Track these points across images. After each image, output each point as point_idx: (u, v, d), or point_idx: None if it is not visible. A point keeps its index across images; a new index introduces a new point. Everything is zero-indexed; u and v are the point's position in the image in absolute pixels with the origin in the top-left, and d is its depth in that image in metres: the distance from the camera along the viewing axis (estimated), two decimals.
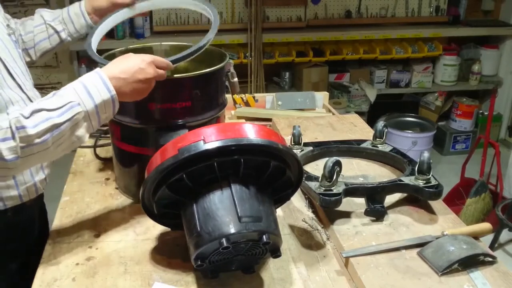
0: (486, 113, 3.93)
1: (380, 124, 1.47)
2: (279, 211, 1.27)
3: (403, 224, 1.19)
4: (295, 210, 1.31)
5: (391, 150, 1.46)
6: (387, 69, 4.24)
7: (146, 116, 1.24)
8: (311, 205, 1.32)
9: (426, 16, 4.25)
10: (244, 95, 2.07)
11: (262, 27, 3.83)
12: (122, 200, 1.37)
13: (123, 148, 1.32)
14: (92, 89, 1.02)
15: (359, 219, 1.21)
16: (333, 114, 2.01)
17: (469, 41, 4.39)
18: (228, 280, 1.06)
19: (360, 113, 3.38)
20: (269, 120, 1.89)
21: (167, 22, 3.91)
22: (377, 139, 1.48)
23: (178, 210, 1.05)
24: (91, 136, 1.08)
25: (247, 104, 2.07)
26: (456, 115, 4.29)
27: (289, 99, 2.11)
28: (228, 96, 1.44)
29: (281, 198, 1.14)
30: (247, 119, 1.94)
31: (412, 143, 3.74)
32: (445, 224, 1.20)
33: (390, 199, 1.26)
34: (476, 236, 1.14)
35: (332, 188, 1.17)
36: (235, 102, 1.98)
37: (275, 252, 1.01)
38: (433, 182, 1.23)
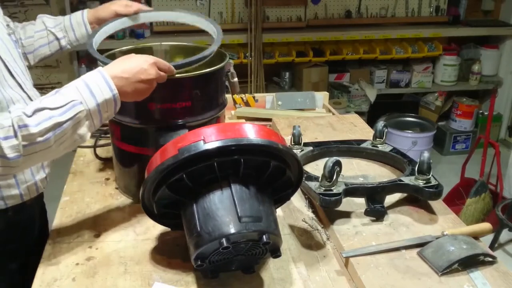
0: (486, 113, 3.93)
1: (380, 124, 1.47)
2: (279, 211, 1.27)
3: (403, 224, 1.19)
4: (295, 210, 1.31)
5: (391, 150, 1.46)
6: (387, 69, 4.24)
7: (146, 116, 1.24)
8: (311, 205, 1.32)
9: (426, 16, 4.25)
10: (244, 95, 2.07)
11: (262, 27, 3.83)
12: (122, 200, 1.37)
13: (123, 148, 1.32)
14: (95, 88, 1.02)
15: (359, 219, 1.21)
16: (333, 114, 2.01)
17: (469, 41, 4.39)
18: (228, 280, 1.06)
19: (360, 113, 3.39)
20: (269, 120, 1.89)
21: (167, 22, 3.90)
22: (377, 139, 1.48)
23: (178, 210, 1.05)
24: (91, 136, 1.08)
25: (247, 104, 2.07)
26: (456, 115, 4.29)
27: (289, 99, 2.11)
28: (228, 96, 1.44)
29: (281, 198, 1.14)
30: (247, 119, 1.94)
31: (412, 143, 3.74)
32: (445, 224, 1.20)
33: (390, 199, 1.26)
34: (476, 236, 1.14)
35: (332, 188, 1.17)
36: (235, 102, 1.98)
37: (275, 252, 1.01)
38: (433, 182, 1.23)
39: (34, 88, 1.28)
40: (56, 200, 1.36)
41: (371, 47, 4.15)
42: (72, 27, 1.46)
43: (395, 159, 1.44)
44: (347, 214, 1.23)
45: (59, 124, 0.98)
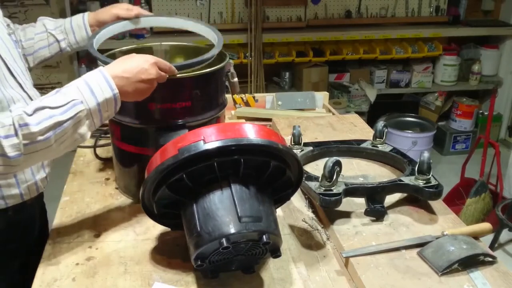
0: (486, 113, 3.93)
1: (380, 124, 1.47)
2: (279, 211, 1.27)
3: (403, 224, 1.19)
4: (295, 210, 1.31)
5: (391, 150, 1.46)
6: (387, 69, 4.24)
7: (146, 116, 1.24)
8: (311, 205, 1.32)
9: (426, 16, 4.25)
10: (244, 95, 2.07)
11: (262, 27, 3.83)
12: (122, 200, 1.37)
13: (123, 148, 1.32)
14: (95, 88, 1.02)
15: (359, 219, 1.21)
16: (333, 114, 2.01)
17: (469, 41, 4.39)
18: (228, 280, 1.06)
19: (360, 113, 3.39)
20: (269, 120, 1.89)
21: None
22: (377, 139, 1.48)
23: (178, 210, 1.05)
24: (91, 136, 1.08)
25: (247, 104, 2.07)
26: (456, 115, 4.29)
27: (289, 99, 2.11)
28: (228, 96, 1.44)
29: (281, 198, 1.14)
30: (247, 119, 1.94)
31: (412, 143, 3.74)
32: (445, 224, 1.20)
33: (390, 199, 1.26)
34: (476, 236, 1.14)
35: (332, 188, 1.17)
36: (235, 102, 1.98)
37: (275, 252, 1.01)
38: (433, 182, 1.23)
39: (34, 88, 1.28)
40: (56, 200, 1.36)
41: (371, 47, 4.15)
42: (73, 29, 1.47)
43: (395, 159, 1.44)
44: (347, 214, 1.23)
45: (59, 123, 0.98)
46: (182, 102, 1.23)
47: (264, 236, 0.95)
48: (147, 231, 1.23)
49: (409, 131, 3.91)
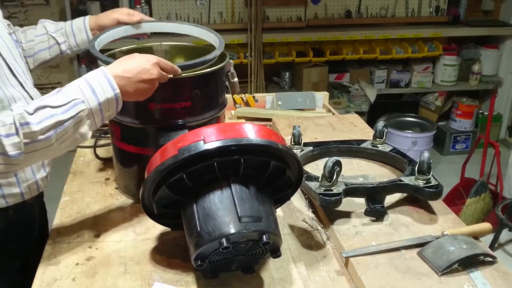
0: (486, 113, 3.93)
1: (380, 124, 1.47)
2: (279, 211, 1.27)
3: (403, 224, 1.19)
4: (295, 210, 1.31)
5: (391, 150, 1.46)
6: (387, 69, 4.25)
7: (146, 116, 1.24)
8: (311, 205, 1.32)
9: (426, 16, 4.25)
10: (244, 95, 2.07)
11: (262, 27, 3.84)
12: (122, 200, 1.37)
13: (123, 148, 1.32)
14: (97, 87, 1.02)
15: (359, 219, 1.21)
16: (333, 114, 2.01)
17: (469, 41, 4.39)
18: (228, 280, 1.06)
19: (360, 113, 3.39)
20: (269, 120, 1.89)
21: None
22: (377, 139, 1.48)
23: (178, 210, 1.05)
24: (91, 136, 1.08)
25: (247, 104, 2.07)
26: (456, 115, 4.29)
27: (289, 99, 2.11)
28: (228, 96, 1.44)
29: (281, 198, 1.14)
30: (247, 119, 1.94)
31: (412, 143, 3.74)
32: (445, 224, 1.20)
33: (390, 199, 1.26)
34: (476, 236, 1.14)
35: (332, 188, 1.17)
36: (235, 102, 1.98)
37: (275, 252, 1.01)
38: (433, 182, 1.23)
39: (34, 87, 1.28)
40: (56, 200, 1.36)
41: (371, 47, 4.15)
42: (73, 32, 1.47)
43: (395, 159, 1.44)
44: (347, 214, 1.23)
45: (60, 123, 0.98)
46: (182, 102, 1.23)
47: (264, 236, 0.95)
48: (147, 231, 1.23)
49: (409, 131, 3.91)
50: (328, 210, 1.23)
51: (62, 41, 1.47)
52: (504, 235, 2.96)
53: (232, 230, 0.94)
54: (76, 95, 1.00)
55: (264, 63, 3.92)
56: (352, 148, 1.51)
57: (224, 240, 0.93)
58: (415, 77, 4.26)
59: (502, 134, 4.50)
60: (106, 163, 1.57)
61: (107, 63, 1.13)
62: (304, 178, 1.14)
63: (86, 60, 3.79)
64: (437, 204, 1.27)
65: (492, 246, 2.83)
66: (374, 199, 1.22)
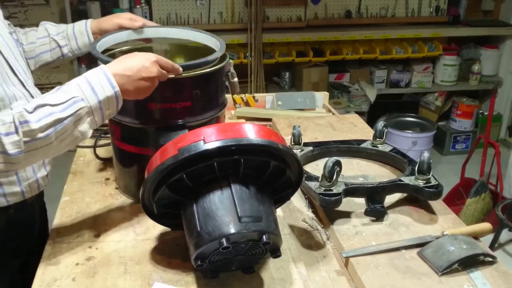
0: (486, 113, 3.93)
1: (380, 124, 1.47)
2: (279, 211, 1.27)
3: (403, 224, 1.19)
4: (295, 210, 1.31)
5: (391, 150, 1.46)
6: (387, 69, 4.25)
7: (146, 116, 1.24)
8: (311, 205, 1.32)
9: (426, 16, 4.25)
10: (244, 95, 2.07)
11: (262, 27, 3.84)
12: (122, 200, 1.37)
13: (123, 148, 1.32)
14: (96, 85, 1.02)
15: (359, 219, 1.21)
16: (333, 114, 2.01)
17: (469, 41, 4.39)
18: (228, 280, 1.06)
19: (360, 113, 3.39)
20: (269, 120, 1.89)
21: (167, 22, 3.91)
22: (377, 139, 1.48)
23: (178, 210, 1.05)
24: (91, 136, 1.08)
25: (247, 104, 2.07)
26: (456, 115, 4.29)
27: (289, 99, 2.11)
28: (228, 96, 1.44)
29: (281, 198, 1.14)
30: (247, 119, 1.94)
31: (412, 143, 3.74)
32: (445, 224, 1.20)
33: (390, 199, 1.26)
34: (476, 236, 1.14)
35: (332, 188, 1.17)
36: (235, 102, 1.98)
37: (275, 252, 1.01)
38: (433, 182, 1.23)
39: (35, 86, 1.29)
40: (56, 200, 1.36)
41: (371, 47, 4.15)
42: (75, 35, 1.47)
43: (395, 159, 1.44)
44: (347, 214, 1.23)
45: (59, 120, 0.98)
46: (182, 102, 1.23)
47: (264, 236, 0.95)
48: (147, 231, 1.23)
49: (409, 131, 3.91)
50: (328, 210, 1.23)
51: (64, 44, 1.48)
52: (504, 235, 2.96)
53: (232, 230, 0.94)
54: (75, 93, 1.00)
55: (264, 63, 3.92)
56: (352, 148, 1.51)
57: (224, 240, 0.93)
58: (415, 77, 4.26)
59: (502, 134, 4.50)
60: (106, 163, 1.56)
61: (106, 62, 1.13)
62: (304, 178, 1.14)
63: (86, 60, 3.79)
64: (437, 204, 1.27)
65: (492, 246, 2.83)
66: (374, 199, 1.22)
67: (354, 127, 1.76)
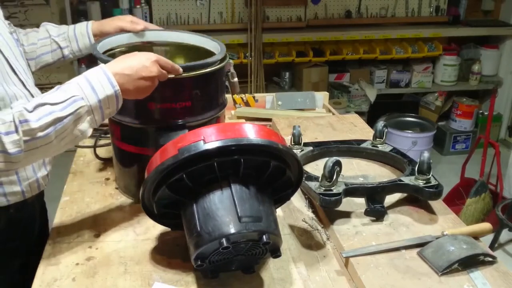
0: (486, 113, 3.93)
1: (380, 124, 1.47)
2: (279, 211, 1.27)
3: (403, 224, 1.19)
4: (295, 210, 1.31)
5: (391, 150, 1.46)
6: (387, 69, 4.25)
7: (146, 116, 1.24)
8: (311, 205, 1.32)
9: (426, 16, 4.25)
10: (244, 95, 2.07)
11: (262, 27, 3.84)
12: (122, 200, 1.37)
13: (123, 148, 1.32)
14: (96, 84, 1.02)
15: (359, 219, 1.21)
16: (333, 114, 2.01)
17: (469, 41, 4.39)
18: (228, 280, 1.06)
19: (360, 113, 3.39)
20: (269, 120, 1.89)
21: (167, 22, 3.91)
22: (377, 139, 1.48)
23: (178, 210, 1.05)
24: (91, 136, 1.08)
25: (247, 104, 2.07)
26: (456, 115, 4.29)
27: (289, 99, 2.11)
28: (228, 96, 1.44)
29: (281, 198, 1.14)
30: (247, 119, 1.94)
31: (412, 143, 3.74)
32: (445, 224, 1.20)
33: (390, 199, 1.26)
34: (476, 236, 1.14)
35: (332, 188, 1.17)
36: (235, 102, 1.98)
37: (275, 252, 1.01)
38: (433, 182, 1.23)
39: (35, 86, 1.29)
40: (56, 200, 1.36)
41: (371, 47, 4.15)
42: (76, 37, 1.48)
43: (395, 159, 1.44)
44: (347, 214, 1.23)
45: (59, 119, 0.98)
46: (182, 102, 1.23)
47: (264, 236, 0.95)
48: (147, 231, 1.23)
49: (409, 131, 3.91)
50: (328, 210, 1.23)
51: (65, 45, 1.48)
52: (504, 235, 2.96)
53: (232, 230, 0.94)
54: (75, 92, 1.01)
55: (264, 63, 3.92)
56: (352, 148, 1.51)
57: (224, 240, 0.93)
58: (415, 77, 4.26)
59: (502, 134, 4.50)
60: (106, 163, 1.56)
61: (107, 62, 1.13)
62: (304, 178, 1.14)
63: (86, 60, 3.78)
64: (437, 204, 1.27)
65: (492, 246, 2.83)
66: (374, 199, 1.22)
67: (354, 127, 1.76)
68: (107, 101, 1.04)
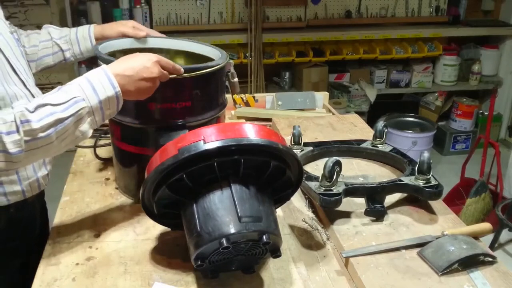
0: (486, 113, 3.93)
1: (380, 124, 1.48)
2: (279, 211, 1.27)
3: (403, 224, 1.19)
4: (295, 210, 1.31)
5: (391, 150, 1.46)
6: (387, 69, 4.25)
7: (146, 116, 1.24)
8: (311, 205, 1.32)
9: (426, 16, 4.25)
10: (244, 95, 2.07)
11: (262, 27, 3.84)
12: (122, 200, 1.37)
13: (123, 148, 1.32)
14: (97, 85, 1.03)
15: (359, 219, 1.21)
16: (333, 114, 2.01)
17: (469, 41, 4.39)
18: (228, 280, 1.06)
19: (360, 113, 3.39)
20: (269, 120, 1.89)
21: (167, 22, 3.91)
22: (377, 139, 1.48)
23: (178, 210, 1.05)
24: (91, 136, 1.08)
25: (247, 104, 2.07)
26: (456, 115, 4.29)
27: (289, 99, 2.11)
28: (228, 96, 1.44)
29: (281, 198, 1.14)
30: (247, 119, 1.94)
31: (412, 143, 3.74)
32: (445, 224, 1.20)
33: (390, 199, 1.26)
34: (476, 236, 1.14)
35: (332, 188, 1.17)
36: (235, 102, 1.98)
37: (275, 252, 1.01)
38: (433, 182, 1.23)
39: (36, 86, 1.29)
40: (56, 200, 1.36)
41: (371, 47, 4.15)
42: (78, 40, 1.48)
43: (395, 159, 1.44)
44: (347, 214, 1.23)
45: (60, 120, 0.98)
46: (182, 102, 1.23)
47: (264, 236, 0.96)
48: (147, 231, 1.23)
49: (409, 131, 3.91)
50: (328, 210, 1.23)
51: (66, 48, 1.48)
52: (504, 235, 2.96)
53: (232, 230, 0.94)
54: (76, 93, 1.01)
55: (264, 63, 3.92)
56: (352, 148, 1.51)
57: (224, 240, 0.93)
58: (415, 77, 4.26)
59: (502, 134, 4.50)
60: (106, 163, 1.57)
61: (108, 62, 1.13)
62: (304, 178, 1.14)
63: (87, 61, 3.78)
64: (437, 204, 1.27)
65: (492, 246, 2.83)
66: (374, 199, 1.22)
67: (354, 127, 1.76)
68: (108, 102, 1.04)
